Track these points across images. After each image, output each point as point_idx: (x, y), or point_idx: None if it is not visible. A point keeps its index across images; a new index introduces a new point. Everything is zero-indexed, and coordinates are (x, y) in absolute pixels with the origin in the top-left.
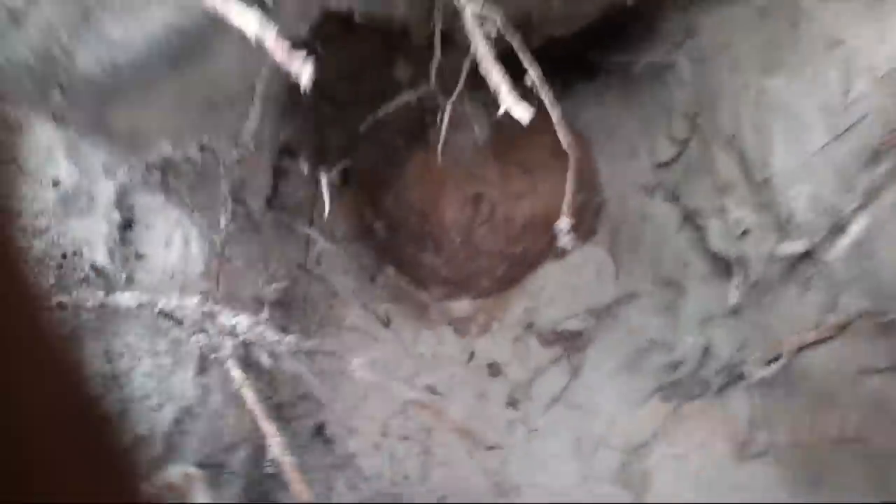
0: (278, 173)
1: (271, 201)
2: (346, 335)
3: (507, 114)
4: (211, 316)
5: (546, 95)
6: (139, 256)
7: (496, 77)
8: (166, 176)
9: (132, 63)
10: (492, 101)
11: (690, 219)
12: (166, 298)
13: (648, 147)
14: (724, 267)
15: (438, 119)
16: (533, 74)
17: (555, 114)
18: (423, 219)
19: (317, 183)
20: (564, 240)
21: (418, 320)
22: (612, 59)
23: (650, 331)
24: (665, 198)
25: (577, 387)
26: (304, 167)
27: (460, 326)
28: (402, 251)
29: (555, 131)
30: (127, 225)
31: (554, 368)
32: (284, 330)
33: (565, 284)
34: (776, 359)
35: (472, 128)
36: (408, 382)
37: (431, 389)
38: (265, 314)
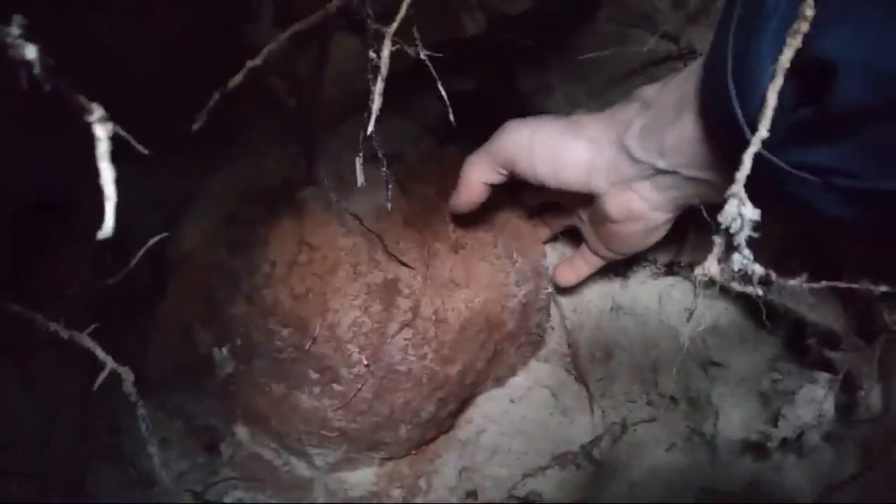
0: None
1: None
2: None
3: (419, 155)
4: None
5: None
6: None
7: None
8: None
9: None
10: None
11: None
12: None
13: None
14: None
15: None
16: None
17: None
18: (299, 331)
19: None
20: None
21: None
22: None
23: (665, 473)
24: (654, 273)
25: None
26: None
27: None
28: (263, 393)
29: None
30: None
31: None
32: None
33: (512, 424)
34: None
35: (370, 179)
36: None
37: None
38: None
